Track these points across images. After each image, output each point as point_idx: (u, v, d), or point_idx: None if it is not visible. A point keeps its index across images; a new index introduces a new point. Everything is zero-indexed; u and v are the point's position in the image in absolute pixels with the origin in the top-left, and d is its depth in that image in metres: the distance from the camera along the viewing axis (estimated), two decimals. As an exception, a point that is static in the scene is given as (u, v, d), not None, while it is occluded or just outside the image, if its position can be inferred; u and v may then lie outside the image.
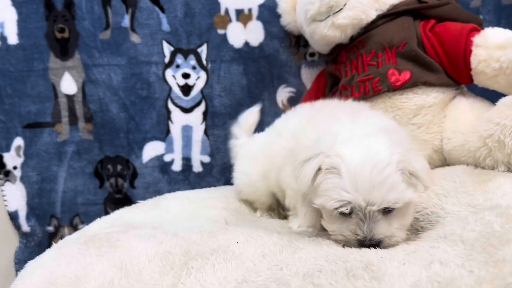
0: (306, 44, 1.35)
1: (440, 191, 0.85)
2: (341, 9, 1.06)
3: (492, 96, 1.06)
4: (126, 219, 0.96)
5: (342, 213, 0.69)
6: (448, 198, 0.83)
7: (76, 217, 1.40)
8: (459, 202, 0.80)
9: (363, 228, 0.68)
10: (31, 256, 1.01)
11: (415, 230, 0.78)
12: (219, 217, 0.99)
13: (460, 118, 1.02)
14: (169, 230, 0.78)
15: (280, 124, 1.05)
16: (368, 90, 1.06)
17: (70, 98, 1.37)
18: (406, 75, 1.02)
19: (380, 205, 0.67)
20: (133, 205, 1.11)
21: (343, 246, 0.70)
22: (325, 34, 1.10)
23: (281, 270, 0.59)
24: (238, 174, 1.10)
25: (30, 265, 0.72)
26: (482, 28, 1.04)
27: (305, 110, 0.99)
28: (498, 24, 1.30)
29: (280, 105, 1.38)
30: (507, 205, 0.69)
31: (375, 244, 0.67)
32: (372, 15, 1.09)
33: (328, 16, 1.08)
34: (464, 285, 0.50)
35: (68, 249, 0.73)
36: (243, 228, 0.79)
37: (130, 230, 0.79)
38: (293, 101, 1.37)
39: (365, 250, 0.64)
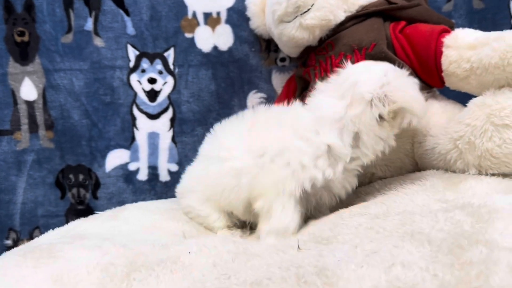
0: (276, 49, 1.31)
1: (409, 191, 0.82)
2: (308, 9, 1.02)
3: (466, 100, 1.03)
4: (79, 230, 0.90)
5: None
6: (418, 195, 0.79)
7: (36, 229, 1.32)
8: (429, 198, 0.77)
9: None
10: None
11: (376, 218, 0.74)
12: (179, 230, 0.93)
13: (431, 121, 0.98)
14: (119, 241, 0.72)
15: (209, 147, 0.97)
16: (336, 92, 1.02)
17: (30, 104, 1.30)
18: None
19: None
20: (90, 216, 1.05)
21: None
22: (293, 35, 1.06)
23: (229, 279, 0.54)
24: (185, 212, 1.02)
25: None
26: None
27: (230, 124, 0.96)
28: (470, 28, 1.28)
29: (250, 111, 1.34)
30: (478, 204, 0.65)
31: None
32: (341, 16, 1.05)
33: (296, 16, 1.04)
34: (426, 291, 0.46)
35: (5, 261, 0.67)
36: (199, 239, 0.74)
37: (77, 240, 0.73)
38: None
39: (322, 254, 0.59)
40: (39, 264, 0.62)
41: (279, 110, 0.93)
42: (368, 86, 0.80)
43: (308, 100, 0.90)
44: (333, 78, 0.87)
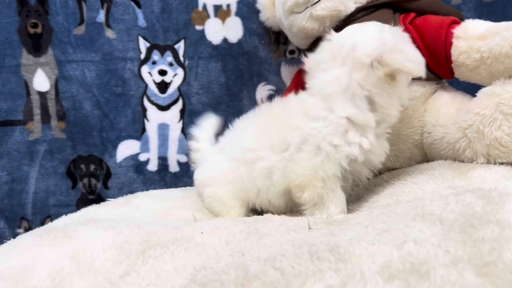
0: (285, 41, 1.32)
1: (417, 180, 0.82)
2: (319, 0, 1.03)
3: (475, 92, 1.04)
4: (92, 215, 0.91)
5: None
6: (427, 184, 0.80)
7: (47, 219, 1.34)
8: (438, 186, 0.77)
9: None
10: None
11: (387, 206, 0.75)
12: (190, 216, 0.94)
13: (440, 112, 0.99)
14: (133, 223, 0.73)
15: (233, 148, 0.95)
16: (347, 82, 1.02)
17: (42, 95, 1.32)
18: None
19: None
20: (102, 203, 1.06)
21: None
22: (303, 26, 1.07)
23: (243, 256, 0.55)
24: (208, 200, 0.99)
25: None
26: (463, 22, 1.02)
27: (249, 121, 0.97)
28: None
29: (259, 103, 1.35)
30: (489, 188, 0.66)
31: None
32: (351, 7, 1.06)
33: (307, 7, 1.05)
34: (438, 265, 0.46)
35: (21, 241, 0.68)
36: (210, 221, 0.75)
37: (91, 223, 0.75)
38: (272, 99, 1.34)
39: (333, 233, 0.60)
40: (55, 243, 0.63)
41: (287, 101, 0.93)
42: (366, 48, 0.78)
43: (308, 83, 0.88)
44: (327, 45, 0.85)
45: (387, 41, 0.78)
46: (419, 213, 0.64)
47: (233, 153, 0.93)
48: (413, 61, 0.76)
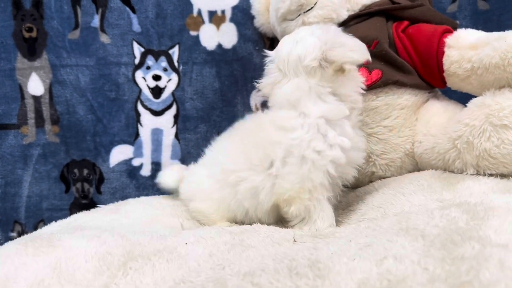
0: (280, 47, 1.32)
1: (406, 191, 0.82)
2: (312, 8, 1.03)
3: (467, 101, 1.03)
4: (81, 222, 0.91)
5: None
6: (415, 196, 0.79)
7: (40, 222, 1.34)
8: (426, 199, 0.77)
9: None
10: None
11: (374, 219, 0.75)
12: (178, 224, 0.94)
13: (431, 121, 0.99)
14: (118, 232, 0.73)
15: (213, 169, 0.95)
16: (337, 90, 1.02)
17: (37, 99, 1.32)
18: (377, 74, 0.99)
19: None
20: (92, 209, 1.06)
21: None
22: (296, 33, 1.07)
23: (223, 270, 0.55)
24: (193, 214, 1.00)
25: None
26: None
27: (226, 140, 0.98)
28: (475, 29, 1.28)
29: (253, 109, 1.35)
30: (475, 202, 0.66)
31: None
32: (344, 15, 1.06)
33: (299, 15, 1.05)
34: (415, 284, 0.46)
35: (6, 249, 0.68)
36: (197, 230, 0.75)
37: (77, 231, 0.74)
38: (267, 105, 1.33)
39: (316, 247, 0.60)
40: (39, 253, 0.63)
41: (258, 120, 0.93)
42: (310, 54, 0.82)
43: (270, 102, 0.91)
44: (272, 66, 0.90)
45: (325, 40, 0.82)
46: (403, 227, 0.64)
47: (214, 173, 0.93)
48: (354, 49, 0.81)
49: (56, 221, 1.27)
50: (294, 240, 0.70)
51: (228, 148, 0.93)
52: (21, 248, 0.65)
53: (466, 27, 1.27)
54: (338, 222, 0.86)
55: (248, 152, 0.86)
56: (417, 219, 0.66)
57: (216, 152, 0.98)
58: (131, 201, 1.12)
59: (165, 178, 1.15)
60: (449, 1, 1.30)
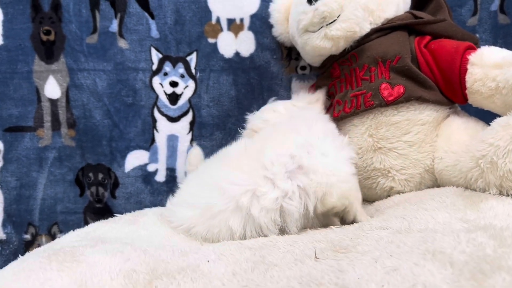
0: (297, 57, 1.32)
1: (429, 207, 0.81)
2: (334, 20, 1.02)
3: (486, 116, 1.03)
4: (99, 233, 0.90)
5: None
6: (438, 212, 0.79)
7: (54, 225, 1.34)
8: (450, 217, 0.76)
9: None
10: (5, 265, 0.93)
11: (398, 233, 0.74)
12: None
13: (453, 138, 0.99)
14: (139, 246, 0.73)
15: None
16: (360, 105, 1.02)
17: (53, 102, 1.33)
18: (400, 90, 0.99)
19: None
20: (110, 219, 1.06)
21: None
22: (317, 45, 1.06)
23: (250, 293, 0.55)
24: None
25: (-8, 279, 0.67)
26: (478, 47, 1.01)
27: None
28: (494, 43, 1.28)
29: (269, 117, 1.34)
30: (501, 226, 0.65)
31: None
32: (366, 28, 1.05)
33: (321, 27, 1.04)
34: (448, 318, 0.46)
35: (30, 263, 0.67)
36: (216, 247, 0.75)
37: (99, 244, 0.74)
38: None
39: (342, 269, 0.59)
40: (63, 268, 0.63)
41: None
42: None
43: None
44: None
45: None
46: (429, 249, 0.63)
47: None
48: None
49: (71, 225, 1.33)
50: (316, 257, 0.70)
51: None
52: (45, 262, 0.65)
53: (486, 41, 1.28)
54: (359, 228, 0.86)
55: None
56: (443, 241, 0.66)
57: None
58: (148, 212, 1.10)
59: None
60: (469, 15, 1.29)
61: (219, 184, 0.87)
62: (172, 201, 1.01)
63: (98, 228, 0.94)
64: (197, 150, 1.21)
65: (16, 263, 0.70)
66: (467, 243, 0.63)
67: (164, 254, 0.69)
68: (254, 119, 1.13)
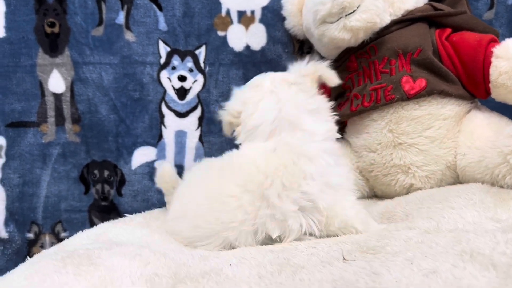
0: (309, 50, 1.28)
1: (455, 205, 0.78)
2: (354, 11, 0.98)
3: (503, 111, 1.00)
4: (111, 236, 0.86)
5: None
6: (467, 210, 0.75)
7: (58, 224, 1.30)
8: (480, 215, 0.73)
9: None
10: (8, 265, 0.89)
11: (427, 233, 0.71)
12: None
13: (475, 133, 0.95)
14: (157, 249, 0.69)
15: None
16: (380, 99, 0.98)
17: (57, 97, 1.28)
18: (422, 83, 0.96)
19: None
20: (120, 219, 1.02)
21: None
22: (336, 36, 1.02)
23: (284, 298, 0.51)
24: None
25: (-2, 283, 0.63)
26: (499, 40, 0.98)
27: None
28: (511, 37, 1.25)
29: (280, 113, 1.30)
30: (536, 226, 0.62)
31: None
32: (387, 19, 1.02)
33: (340, 18, 1.00)
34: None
35: (42, 266, 0.63)
36: (235, 251, 0.72)
37: (114, 247, 0.70)
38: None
39: (376, 271, 0.56)
40: (80, 272, 0.59)
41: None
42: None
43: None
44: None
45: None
46: (466, 250, 0.60)
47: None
48: None
49: (75, 223, 1.29)
50: (344, 258, 0.66)
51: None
52: (59, 265, 0.61)
53: (503, 35, 1.24)
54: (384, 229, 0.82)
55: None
56: (479, 242, 0.62)
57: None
58: (160, 216, 1.06)
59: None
60: (486, 8, 1.26)
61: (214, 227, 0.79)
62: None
63: (108, 229, 0.90)
64: (168, 167, 1.10)
65: (25, 266, 0.67)
66: (506, 244, 0.60)
67: (184, 257, 0.66)
68: (233, 102, 0.96)
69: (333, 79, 0.94)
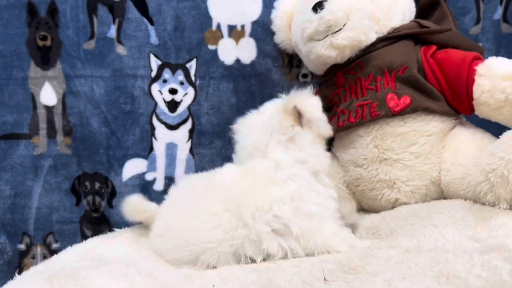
0: (299, 64, 1.30)
1: (438, 223, 0.80)
2: (340, 29, 1.00)
3: (489, 127, 1.02)
4: (100, 252, 0.87)
5: None
6: (448, 228, 0.77)
7: (50, 235, 1.31)
8: (460, 234, 0.74)
9: None
10: None
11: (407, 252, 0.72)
12: None
13: (460, 150, 0.97)
14: (143, 268, 0.70)
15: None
16: (365, 115, 1.00)
17: (49, 109, 1.29)
18: (406, 100, 0.97)
19: None
20: (109, 234, 1.03)
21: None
22: (322, 53, 1.04)
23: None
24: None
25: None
26: (484, 57, 0.99)
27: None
28: (497, 52, 1.26)
29: (270, 126, 1.32)
30: (514, 247, 0.63)
31: None
32: (372, 37, 1.03)
33: (327, 35, 1.02)
34: None
35: (29, 286, 0.65)
36: (220, 271, 0.72)
37: (101, 266, 0.71)
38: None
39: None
40: (66, 292, 0.60)
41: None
42: None
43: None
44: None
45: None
46: (443, 272, 0.62)
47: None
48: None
49: (67, 235, 1.30)
50: (325, 279, 0.68)
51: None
52: (46, 285, 0.62)
53: (489, 49, 1.27)
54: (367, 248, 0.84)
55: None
56: (456, 263, 0.64)
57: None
58: (146, 228, 1.07)
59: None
60: (472, 24, 1.28)
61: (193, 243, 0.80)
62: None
63: (97, 245, 0.91)
64: (135, 199, 1.07)
65: (13, 285, 0.68)
66: (482, 267, 0.61)
67: (169, 277, 0.67)
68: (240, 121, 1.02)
69: (310, 111, 0.90)
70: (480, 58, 0.98)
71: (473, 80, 0.95)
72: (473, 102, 0.96)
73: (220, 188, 0.85)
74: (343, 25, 1.00)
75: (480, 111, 0.97)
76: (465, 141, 0.98)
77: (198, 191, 0.89)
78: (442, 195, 1.01)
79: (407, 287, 0.59)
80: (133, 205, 1.05)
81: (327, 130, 0.93)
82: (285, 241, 0.79)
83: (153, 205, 1.06)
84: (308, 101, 0.91)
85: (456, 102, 1.00)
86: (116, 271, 0.67)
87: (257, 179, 0.83)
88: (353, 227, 0.98)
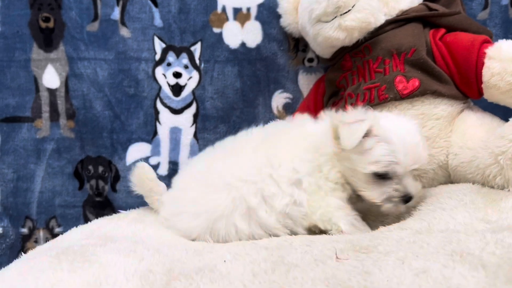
0: (304, 48, 1.28)
1: (446, 206, 0.79)
2: (349, 10, 0.99)
3: (495, 111, 1.01)
4: (105, 231, 0.87)
5: (381, 177, 0.82)
6: (457, 211, 0.76)
7: (52, 219, 1.30)
8: (470, 216, 0.74)
9: (406, 186, 0.83)
10: (1, 260, 0.89)
11: (418, 233, 0.72)
12: None
13: (468, 133, 0.96)
14: (151, 245, 0.69)
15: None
16: (373, 98, 0.99)
17: (52, 92, 1.28)
18: (415, 83, 0.96)
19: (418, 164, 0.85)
20: (114, 216, 1.02)
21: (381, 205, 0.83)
22: (330, 35, 1.03)
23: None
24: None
25: (-7, 279, 0.63)
26: (492, 41, 0.98)
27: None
28: (505, 37, 1.22)
29: (275, 111, 1.31)
30: (526, 227, 0.63)
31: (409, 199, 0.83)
32: (381, 19, 1.03)
33: (335, 17, 1.01)
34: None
35: (37, 262, 0.64)
36: (229, 246, 0.72)
37: (108, 243, 0.71)
38: (288, 108, 1.30)
39: (367, 270, 0.57)
40: (75, 268, 0.60)
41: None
42: None
43: None
44: None
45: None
46: (456, 250, 0.61)
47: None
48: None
49: (70, 219, 1.29)
50: (337, 257, 0.67)
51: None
52: (54, 262, 0.62)
53: (497, 35, 1.25)
54: (376, 226, 0.85)
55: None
56: (469, 242, 0.63)
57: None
58: (152, 209, 1.06)
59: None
60: (480, 9, 1.27)
61: (227, 182, 0.86)
62: (169, 211, 0.95)
63: (102, 225, 0.90)
64: (147, 166, 1.07)
65: (20, 262, 0.67)
66: (496, 244, 0.61)
67: (178, 253, 0.66)
68: None
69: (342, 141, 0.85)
70: (489, 41, 0.97)
71: (483, 63, 0.94)
72: (482, 86, 0.95)
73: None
74: (352, 7, 0.99)
75: (489, 94, 0.96)
76: (474, 124, 0.97)
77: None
78: (449, 180, 1.00)
79: (421, 265, 0.58)
80: (142, 170, 1.06)
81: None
82: (297, 190, 0.85)
83: (160, 183, 1.07)
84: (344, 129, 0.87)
85: (464, 85, 0.99)
86: (124, 248, 0.67)
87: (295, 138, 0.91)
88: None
